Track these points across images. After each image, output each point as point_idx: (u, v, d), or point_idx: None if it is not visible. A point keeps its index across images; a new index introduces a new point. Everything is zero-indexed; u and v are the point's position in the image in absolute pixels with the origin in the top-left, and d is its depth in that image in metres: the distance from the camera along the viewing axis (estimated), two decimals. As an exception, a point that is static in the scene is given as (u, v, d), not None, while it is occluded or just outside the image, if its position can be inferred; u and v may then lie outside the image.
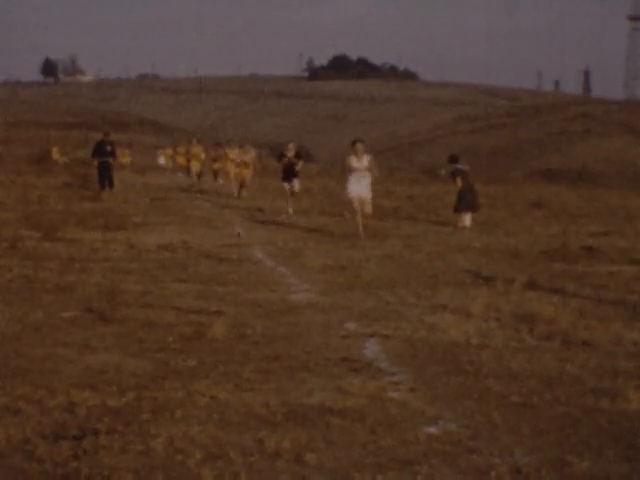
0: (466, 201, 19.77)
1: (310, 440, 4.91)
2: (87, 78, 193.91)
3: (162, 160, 48.14)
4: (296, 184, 21.87)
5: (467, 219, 19.72)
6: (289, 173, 21.83)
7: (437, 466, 4.58)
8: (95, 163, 26.01)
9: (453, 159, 20.94)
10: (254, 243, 15.18)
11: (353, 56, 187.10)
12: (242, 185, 27.53)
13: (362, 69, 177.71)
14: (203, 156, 35.62)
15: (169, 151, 45.11)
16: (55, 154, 46.94)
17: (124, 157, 49.00)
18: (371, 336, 7.67)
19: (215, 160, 33.17)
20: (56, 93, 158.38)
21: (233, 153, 29.88)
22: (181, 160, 38.87)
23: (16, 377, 6.01)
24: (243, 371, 6.33)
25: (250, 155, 28.91)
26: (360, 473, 4.47)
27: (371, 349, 7.21)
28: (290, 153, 22.40)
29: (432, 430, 5.14)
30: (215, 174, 33.71)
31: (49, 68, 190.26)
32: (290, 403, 5.60)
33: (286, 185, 21.85)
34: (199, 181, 33.79)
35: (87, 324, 7.90)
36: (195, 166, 35.14)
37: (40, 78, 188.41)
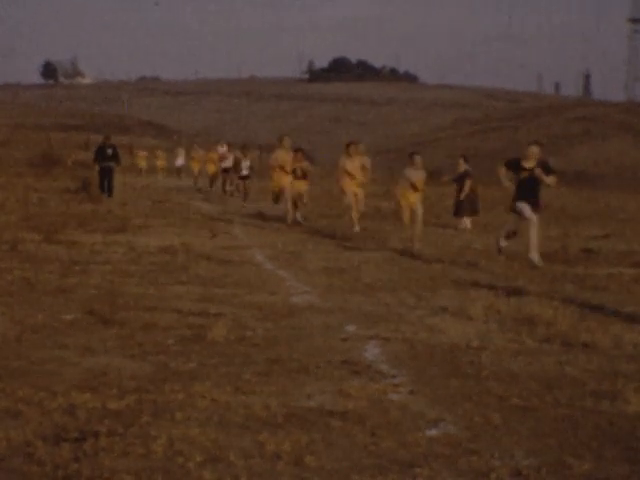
0: (469, 205, 19.78)
1: (310, 442, 4.91)
2: (87, 80, 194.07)
3: (180, 161, 45.17)
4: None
5: (468, 221, 19.75)
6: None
7: (437, 468, 4.58)
8: (97, 168, 25.55)
9: (466, 159, 20.89)
10: (254, 245, 15.19)
11: (353, 58, 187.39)
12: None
13: (362, 71, 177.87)
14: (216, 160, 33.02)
15: (200, 153, 38.29)
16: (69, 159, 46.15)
17: (141, 160, 47.95)
18: (371, 338, 7.67)
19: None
20: (56, 96, 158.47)
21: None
22: (198, 165, 36.53)
23: (16, 379, 6.01)
24: (243, 373, 6.33)
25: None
26: (360, 475, 4.47)
27: (371, 351, 7.21)
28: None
29: (432, 432, 5.15)
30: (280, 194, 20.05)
31: (49, 71, 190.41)
32: (290, 405, 5.60)
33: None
34: (210, 185, 32.54)
35: (87, 326, 7.90)
36: (210, 169, 33.51)
37: (40, 81, 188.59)
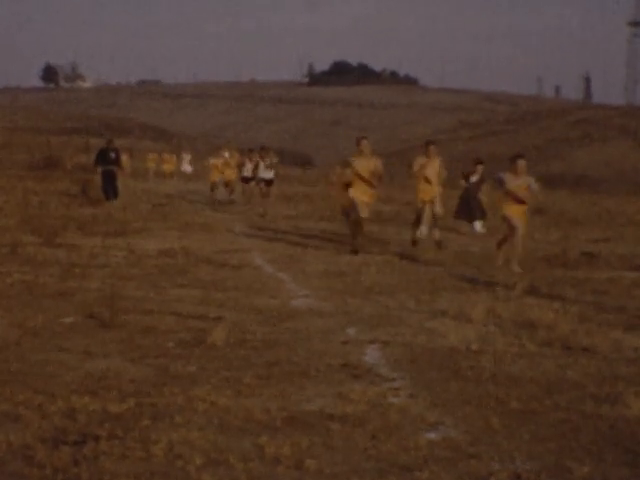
0: (478, 208, 19.71)
1: (310, 446, 4.91)
2: (87, 84, 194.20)
3: (187, 167, 43.26)
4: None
5: (479, 225, 19.68)
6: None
7: (437, 472, 4.58)
8: (99, 171, 24.90)
9: (481, 163, 20.79)
10: (254, 249, 15.19)
11: (353, 62, 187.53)
12: None
13: (362, 75, 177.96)
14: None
15: (220, 160, 29.89)
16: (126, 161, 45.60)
17: (168, 164, 46.83)
18: (371, 342, 7.67)
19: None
20: (56, 99, 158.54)
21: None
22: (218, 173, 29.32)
23: (16, 382, 6.01)
24: (243, 377, 6.33)
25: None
26: (360, 479, 4.47)
27: (371, 355, 7.21)
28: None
29: (432, 436, 5.14)
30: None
31: (49, 74, 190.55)
32: (290, 409, 5.60)
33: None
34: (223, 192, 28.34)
35: (87, 330, 7.90)
36: (228, 175, 28.41)
37: (40, 84, 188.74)
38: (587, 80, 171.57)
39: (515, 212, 13.31)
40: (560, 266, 13.49)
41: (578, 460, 4.78)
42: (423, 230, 16.11)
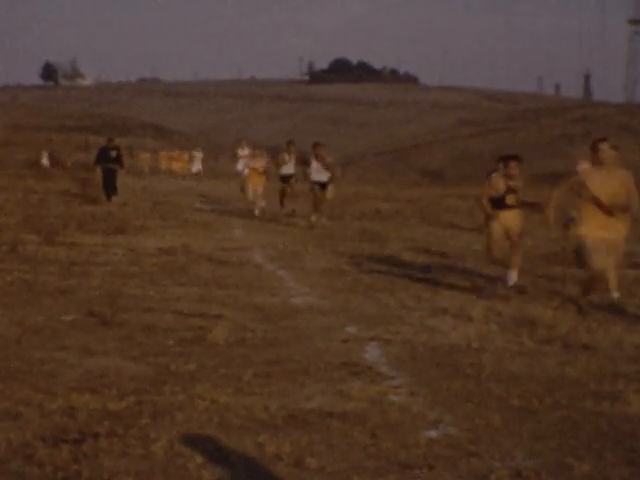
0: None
1: (310, 444, 4.91)
2: (87, 82, 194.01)
3: (198, 166, 41.64)
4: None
5: None
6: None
7: (437, 470, 4.57)
8: (99, 170, 24.56)
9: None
10: (254, 246, 15.19)
11: (353, 59, 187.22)
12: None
13: (362, 72, 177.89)
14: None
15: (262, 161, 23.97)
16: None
17: (179, 162, 44.42)
18: (371, 340, 7.67)
19: None
20: (56, 97, 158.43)
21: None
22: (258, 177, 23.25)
23: (16, 380, 6.01)
24: (243, 375, 6.32)
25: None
26: (360, 477, 4.47)
27: (371, 353, 7.21)
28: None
29: (432, 434, 5.14)
30: None
31: (49, 72, 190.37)
32: (290, 407, 5.60)
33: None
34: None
35: (87, 328, 7.90)
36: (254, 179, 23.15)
37: (40, 82, 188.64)
38: (587, 78, 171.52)
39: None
40: (560, 263, 13.47)
41: (578, 458, 4.78)
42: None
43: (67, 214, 19.38)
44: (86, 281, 10.55)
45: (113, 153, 24.71)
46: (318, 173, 18.88)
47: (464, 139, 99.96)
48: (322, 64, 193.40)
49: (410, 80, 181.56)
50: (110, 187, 24.20)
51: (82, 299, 9.30)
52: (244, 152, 25.37)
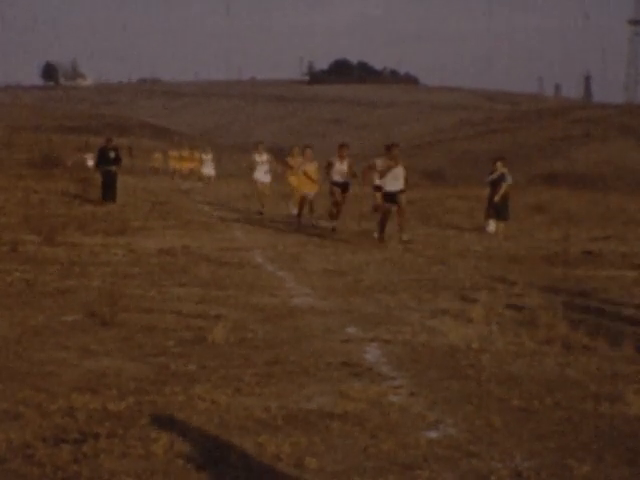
0: (499, 209, 19.48)
1: (310, 444, 4.91)
2: (87, 82, 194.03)
3: (209, 169, 38.65)
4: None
5: (493, 225, 19.55)
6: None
7: (437, 470, 4.58)
8: (99, 173, 24.04)
9: (504, 163, 20.48)
10: (254, 247, 15.19)
11: (354, 60, 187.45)
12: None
13: (363, 73, 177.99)
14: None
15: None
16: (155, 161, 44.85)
17: (190, 163, 42.58)
18: (372, 340, 7.67)
19: None
20: (56, 97, 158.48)
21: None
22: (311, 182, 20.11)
23: (16, 381, 6.01)
24: (243, 375, 6.33)
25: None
26: (360, 477, 4.47)
27: (372, 353, 7.21)
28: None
29: (432, 434, 5.14)
30: None
31: (49, 72, 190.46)
32: (290, 407, 5.60)
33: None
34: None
35: (87, 328, 7.90)
36: (305, 186, 19.93)
37: (40, 82, 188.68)
38: (587, 79, 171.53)
39: None
40: (561, 264, 13.48)
41: (578, 459, 4.78)
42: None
43: (67, 214, 19.37)
44: (86, 281, 10.55)
45: (112, 154, 24.14)
46: (340, 175, 18.00)
47: (464, 140, 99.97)
48: (322, 65, 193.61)
49: (410, 81, 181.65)
50: (109, 192, 23.58)
51: (82, 299, 9.29)
52: (262, 158, 23.21)
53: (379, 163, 16.62)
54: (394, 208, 16.59)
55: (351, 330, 8.14)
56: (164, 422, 5.20)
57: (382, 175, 16.34)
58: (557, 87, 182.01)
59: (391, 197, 16.39)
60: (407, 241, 15.97)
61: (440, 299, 10.01)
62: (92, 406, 5.47)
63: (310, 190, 19.83)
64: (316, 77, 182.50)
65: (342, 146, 18.54)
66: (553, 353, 7.34)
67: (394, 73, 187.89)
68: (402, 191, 16.51)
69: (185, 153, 45.52)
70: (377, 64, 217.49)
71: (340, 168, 18.01)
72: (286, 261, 13.42)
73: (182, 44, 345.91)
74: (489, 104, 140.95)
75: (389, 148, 16.89)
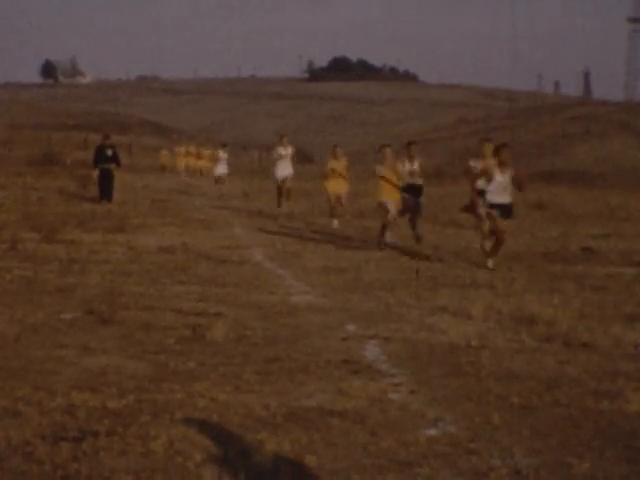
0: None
1: (310, 442, 4.91)
2: (87, 80, 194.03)
3: (222, 169, 36.03)
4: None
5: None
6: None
7: (437, 468, 4.57)
8: (96, 173, 23.40)
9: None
10: (254, 245, 15.18)
11: (353, 58, 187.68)
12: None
13: (362, 71, 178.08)
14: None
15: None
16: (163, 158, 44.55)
17: (203, 160, 41.93)
18: (371, 338, 7.67)
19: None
20: (56, 95, 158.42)
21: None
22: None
23: (16, 379, 6.01)
24: (243, 373, 6.32)
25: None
26: (360, 475, 4.47)
27: (371, 351, 7.21)
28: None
29: (432, 432, 5.14)
30: None
31: (49, 70, 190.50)
32: (290, 405, 5.60)
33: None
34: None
35: (87, 326, 7.90)
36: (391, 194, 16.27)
37: (40, 80, 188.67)
38: (587, 76, 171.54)
39: None
40: (560, 261, 13.47)
41: (578, 456, 4.77)
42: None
43: (67, 212, 19.37)
44: (86, 279, 10.55)
45: (109, 152, 23.69)
46: (411, 177, 15.83)
47: (464, 137, 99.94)
48: (322, 62, 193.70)
49: (410, 78, 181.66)
50: (106, 191, 23.18)
51: (81, 297, 9.29)
52: (287, 151, 21.80)
53: (475, 164, 13.91)
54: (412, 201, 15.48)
55: (351, 327, 8.14)
56: (163, 420, 5.20)
57: (488, 178, 13.19)
58: (556, 84, 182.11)
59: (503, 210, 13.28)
60: (491, 269, 12.66)
61: (439, 296, 10.01)
62: (91, 404, 5.46)
63: (340, 189, 19.28)
64: (316, 74, 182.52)
65: (411, 144, 16.35)
66: (553, 350, 7.34)
67: (393, 70, 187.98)
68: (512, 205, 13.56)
69: (192, 149, 45.18)
70: (376, 61, 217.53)
71: (410, 169, 15.84)
72: (285, 259, 13.42)
73: (181, 41, 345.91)
74: (488, 101, 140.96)
75: (498, 149, 13.40)
